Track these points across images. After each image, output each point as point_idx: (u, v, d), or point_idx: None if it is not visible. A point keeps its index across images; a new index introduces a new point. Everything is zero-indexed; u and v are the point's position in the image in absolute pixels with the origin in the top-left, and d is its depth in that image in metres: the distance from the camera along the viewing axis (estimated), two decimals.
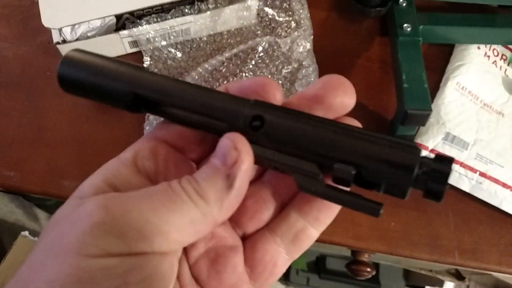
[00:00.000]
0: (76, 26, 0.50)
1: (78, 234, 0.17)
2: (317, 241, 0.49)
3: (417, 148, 0.20)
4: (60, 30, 0.49)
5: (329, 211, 0.22)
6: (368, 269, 0.59)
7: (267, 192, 0.23)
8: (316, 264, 1.15)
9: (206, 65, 0.53)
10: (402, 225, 0.51)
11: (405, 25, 0.52)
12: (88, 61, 0.22)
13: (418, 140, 0.52)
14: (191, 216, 0.18)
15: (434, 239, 0.51)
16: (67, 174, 0.50)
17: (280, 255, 0.22)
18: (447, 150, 0.51)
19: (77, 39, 0.50)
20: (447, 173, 0.19)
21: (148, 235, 0.17)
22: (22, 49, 0.57)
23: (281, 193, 0.23)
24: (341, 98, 0.20)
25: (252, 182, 0.23)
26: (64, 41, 0.50)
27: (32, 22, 0.58)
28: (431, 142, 0.52)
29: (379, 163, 0.20)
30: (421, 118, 0.47)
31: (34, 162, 0.51)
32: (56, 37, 0.50)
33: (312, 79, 0.51)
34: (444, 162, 0.20)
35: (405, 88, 0.47)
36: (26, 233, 0.93)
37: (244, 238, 0.23)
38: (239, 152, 0.19)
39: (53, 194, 0.49)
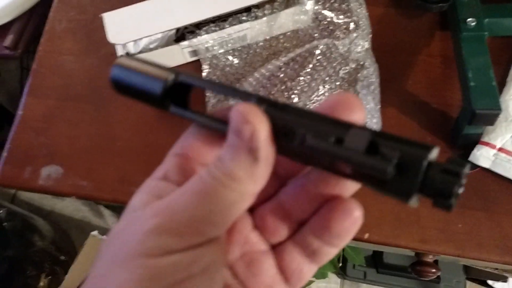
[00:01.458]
0: (138, 39, 0.52)
1: (139, 239, 0.19)
2: (382, 244, 0.50)
3: (429, 145, 0.19)
4: (124, 44, 0.51)
5: (340, 238, 0.22)
6: (433, 270, 0.57)
7: (284, 210, 0.24)
8: (373, 258, 1.14)
9: (263, 70, 0.54)
10: (470, 227, 0.50)
11: (469, 19, 0.50)
12: (133, 63, 0.24)
13: (486, 139, 0.50)
14: (229, 198, 0.19)
15: (504, 240, 0.49)
16: (136, 181, 0.52)
17: (305, 264, 0.23)
18: None
19: (140, 52, 0.52)
20: (458, 172, 0.18)
21: (198, 227, 0.19)
22: (87, 62, 0.60)
23: (297, 211, 0.23)
24: (348, 116, 0.20)
25: (269, 200, 0.24)
26: (128, 54, 0.52)
27: (95, 35, 0.61)
28: (499, 140, 0.50)
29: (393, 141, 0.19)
30: (490, 118, 0.45)
31: (104, 171, 0.53)
32: (120, 51, 0.53)
33: (373, 80, 0.50)
34: (457, 163, 0.18)
35: (472, 86, 0.46)
36: (96, 232, 0.98)
37: (272, 247, 0.24)
38: (252, 123, 0.19)
39: (124, 201, 0.52)
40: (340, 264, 1.12)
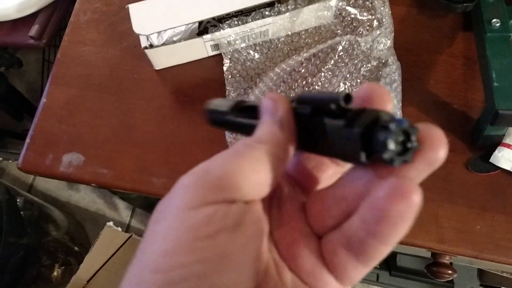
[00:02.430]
0: (162, 31, 0.52)
1: (180, 194, 0.21)
2: (399, 243, 0.49)
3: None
4: (148, 36, 0.52)
5: (390, 226, 0.19)
6: (449, 271, 0.57)
7: (336, 196, 0.23)
8: (386, 260, 1.13)
9: (284, 66, 0.54)
10: (488, 229, 0.49)
11: (494, 20, 0.50)
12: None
13: (507, 141, 0.49)
14: (256, 156, 0.22)
15: None
16: (155, 171, 0.53)
17: (349, 260, 0.21)
18: None
19: (163, 44, 0.53)
20: (387, 126, 0.18)
21: (231, 182, 0.21)
22: (110, 53, 0.60)
23: (348, 197, 0.22)
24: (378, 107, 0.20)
25: (326, 189, 0.24)
26: (151, 46, 0.53)
27: (118, 27, 0.62)
28: None
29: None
30: None
31: (125, 160, 0.54)
32: (144, 42, 0.53)
33: (396, 77, 0.50)
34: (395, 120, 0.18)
35: (495, 87, 0.45)
36: (111, 223, 0.99)
37: (317, 236, 0.24)
38: (274, 101, 0.23)
39: (143, 190, 0.53)
40: None
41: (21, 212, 1.17)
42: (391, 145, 0.18)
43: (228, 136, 0.51)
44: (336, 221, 0.22)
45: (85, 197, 1.39)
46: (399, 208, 0.18)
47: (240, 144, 0.22)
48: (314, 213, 0.23)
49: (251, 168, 0.21)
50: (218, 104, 0.28)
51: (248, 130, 0.26)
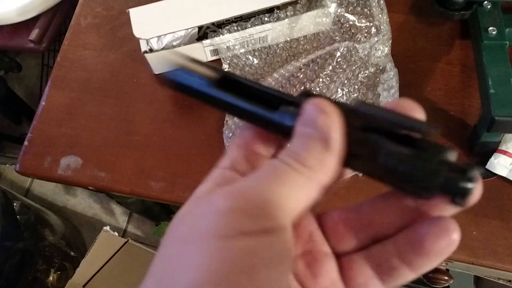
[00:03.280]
0: (162, 36, 0.53)
1: (213, 220, 0.19)
2: None
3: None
4: (147, 40, 0.53)
5: (427, 259, 0.21)
6: (446, 277, 0.57)
7: (360, 221, 0.23)
8: None
9: (283, 71, 0.54)
10: (484, 235, 0.49)
11: (490, 28, 0.50)
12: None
13: (503, 147, 0.50)
14: (299, 184, 0.20)
15: None
16: (153, 175, 0.53)
17: (373, 281, 0.22)
18: None
19: (163, 48, 0.53)
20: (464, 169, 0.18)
21: (271, 211, 0.19)
22: (110, 57, 0.61)
23: (378, 224, 0.22)
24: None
25: (346, 211, 0.23)
26: (151, 50, 0.53)
27: (119, 31, 0.62)
28: None
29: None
30: (509, 125, 0.45)
31: (123, 164, 0.54)
32: (143, 47, 0.54)
33: (394, 84, 0.51)
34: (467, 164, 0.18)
35: (492, 93, 0.46)
36: (107, 228, 0.99)
37: (337, 256, 0.23)
38: (328, 114, 0.20)
39: (141, 194, 0.53)
40: None
41: (18, 217, 1.16)
42: (471, 193, 0.18)
43: (226, 140, 0.52)
44: (362, 244, 0.22)
45: (81, 202, 1.39)
46: (441, 246, 0.19)
47: (281, 164, 0.20)
48: (336, 234, 0.23)
49: (295, 198, 0.20)
50: (192, 67, 0.24)
51: (238, 113, 0.23)
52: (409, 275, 0.21)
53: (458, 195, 0.18)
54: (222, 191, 0.20)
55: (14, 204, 1.18)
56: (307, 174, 0.20)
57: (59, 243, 1.24)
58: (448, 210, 0.20)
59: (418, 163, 0.18)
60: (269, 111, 0.22)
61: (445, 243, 0.19)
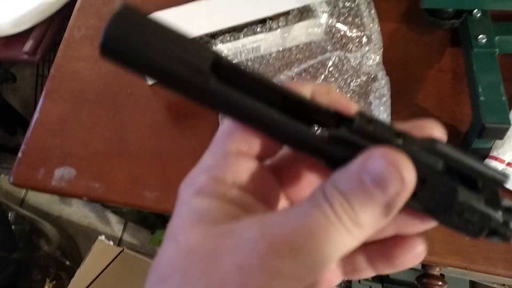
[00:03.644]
0: None
1: (240, 277, 0.17)
2: None
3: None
4: None
5: (393, 268, 0.22)
6: (440, 283, 0.57)
7: None
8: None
9: (275, 80, 0.55)
10: (477, 240, 0.50)
11: (480, 36, 0.51)
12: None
13: (494, 153, 0.50)
14: (345, 242, 0.18)
15: (511, 254, 0.49)
16: (148, 185, 0.53)
17: (337, 273, 0.24)
18: None
19: None
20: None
21: (313, 268, 0.18)
22: (104, 68, 0.61)
23: None
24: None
25: None
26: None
27: None
28: (508, 155, 0.50)
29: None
30: (499, 132, 0.46)
31: (117, 174, 0.54)
32: None
33: (385, 92, 0.51)
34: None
35: (482, 101, 0.46)
36: (103, 237, 0.99)
37: None
38: (404, 182, 0.17)
39: (135, 204, 0.53)
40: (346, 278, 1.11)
41: (13, 227, 1.16)
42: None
43: None
44: None
45: (77, 212, 1.39)
46: (408, 259, 0.22)
47: (332, 218, 0.18)
48: None
49: (335, 254, 0.18)
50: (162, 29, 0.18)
51: (236, 114, 0.19)
52: (371, 274, 0.23)
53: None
54: (258, 230, 0.18)
55: (9, 214, 1.18)
56: (357, 235, 0.18)
57: (55, 253, 1.23)
58: (421, 228, 0.21)
59: (487, 215, 0.19)
60: (306, 127, 0.19)
61: (412, 256, 0.22)
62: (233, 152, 0.21)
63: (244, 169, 0.21)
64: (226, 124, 0.21)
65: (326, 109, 0.19)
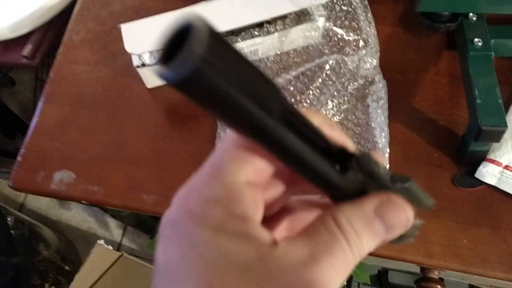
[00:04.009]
0: (154, 51, 0.53)
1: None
2: (388, 257, 0.50)
3: None
4: (139, 55, 0.53)
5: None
6: (439, 286, 0.57)
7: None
8: (378, 278, 1.13)
9: None
10: (475, 243, 0.50)
11: (476, 39, 0.51)
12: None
13: (492, 156, 0.51)
14: (348, 270, 0.20)
15: (509, 257, 0.49)
16: (146, 188, 0.53)
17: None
18: None
19: (155, 63, 0.54)
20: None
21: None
22: (103, 72, 0.61)
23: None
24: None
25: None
26: (143, 65, 0.54)
27: (111, 46, 0.63)
28: (505, 158, 0.50)
29: None
30: (496, 134, 0.46)
31: (116, 178, 0.54)
32: (136, 61, 0.54)
33: (382, 95, 0.52)
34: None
35: (478, 103, 0.47)
36: (102, 241, 0.99)
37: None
38: (408, 226, 0.22)
39: (134, 207, 0.53)
40: (345, 283, 1.11)
41: (12, 231, 1.16)
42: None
43: None
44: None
45: (76, 216, 1.39)
46: None
47: (349, 253, 0.20)
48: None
49: (338, 282, 0.20)
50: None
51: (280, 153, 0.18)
52: None
53: None
54: (300, 277, 0.19)
55: (8, 219, 1.17)
56: (360, 258, 0.21)
57: (54, 257, 1.23)
58: None
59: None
60: (333, 166, 0.20)
61: None
62: (243, 183, 0.20)
63: (258, 201, 0.20)
64: (230, 146, 0.21)
65: (334, 146, 0.21)
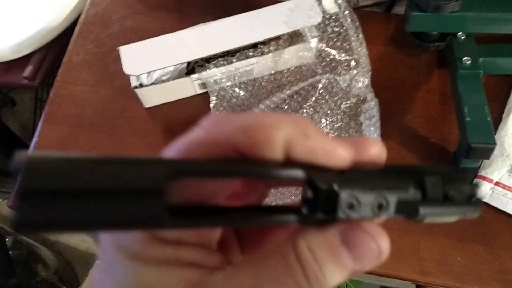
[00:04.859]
0: (152, 72, 0.55)
1: None
2: (383, 275, 0.50)
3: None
4: (138, 76, 0.54)
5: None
6: None
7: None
8: None
9: (268, 102, 0.56)
10: (468, 260, 0.50)
11: (465, 58, 0.53)
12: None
13: (483, 173, 0.51)
14: None
15: (503, 274, 0.50)
16: None
17: None
18: None
19: (152, 83, 0.55)
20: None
21: None
22: (102, 92, 0.63)
23: None
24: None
25: None
26: (141, 85, 0.55)
27: (110, 67, 0.64)
28: (496, 174, 0.51)
29: None
30: (485, 152, 0.47)
31: None
32: (134, 82, 0.56)
33: (374, 113, 0.53)
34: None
35: (468, 121, 0.48)
36: None
37: None
38: (381, 258, 0.18)
39: None
40: None
41: (10, 252, 1.16)
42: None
43: None
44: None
45: (74, 236, 1.38)
46: None
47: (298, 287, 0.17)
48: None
49: None
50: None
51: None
52: None
53: None
54: None
55: (7, 239, 1.17)
56: None
57: (52, 278, 1.22)
58: None
59: None
60: (291, 216, 0.18)
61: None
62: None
63: None
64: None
65: (305, 180, 0.18)
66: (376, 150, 0.19)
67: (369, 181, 0.18)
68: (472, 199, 0.20)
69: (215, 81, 0.57)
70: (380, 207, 0.18)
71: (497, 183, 0.51)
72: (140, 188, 0.14)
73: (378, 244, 0.17)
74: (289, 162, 0.18)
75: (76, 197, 0.14)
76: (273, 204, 0.49)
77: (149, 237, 0.17)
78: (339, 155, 0.18)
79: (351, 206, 0.17)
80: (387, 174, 0.19)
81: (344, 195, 0.17)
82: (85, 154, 0.15)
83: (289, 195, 0.50)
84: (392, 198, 0.18)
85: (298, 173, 0.17)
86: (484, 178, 0.51)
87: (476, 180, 0.52)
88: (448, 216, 0.20)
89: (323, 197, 0.17)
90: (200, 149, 0.18)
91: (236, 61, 0.55)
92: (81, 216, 0.14)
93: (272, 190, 0.21)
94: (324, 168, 0.18)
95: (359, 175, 0.18)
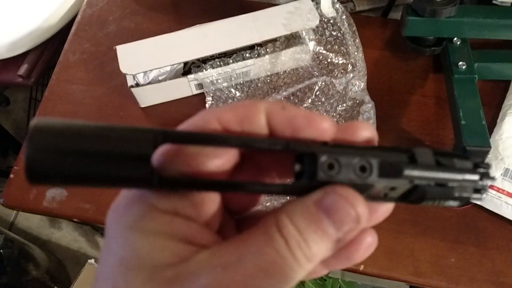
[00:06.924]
0: (148, 71, 0.55)
1: None
2: (377, 276, 0.50)
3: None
4: (134, 75, 0.54)
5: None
6: None
7: None
8: None
9: None
10: (462, 261, 0.51)
11: (460, 63, 0.53)
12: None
13: None
14: (296, 276, 0.18)
15: (496, 276, 0.50)
16: None
17: None
18: (507, 186, 0.51)
19: (149, 83, 0.55)
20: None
21: None
22: (98, 91, 0.62)
23: None
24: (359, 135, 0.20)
25: None
26: (137, 85, 0.55)
27: (106, 67, 0.64)
28: None
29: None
30: (480, 155, 0.47)
31: (108, 196, 0.55)
32: (130, 81, 0.55)
33: (371, 115, 0.53)
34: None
35: (463, 125, 0.48)
36: (92, 261, 0.98)
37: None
38: (359, 222, 0.18)
39: None
40: None
41: (1, 251, 1.15)
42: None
43: None
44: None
45: (66, 235, 1.38)
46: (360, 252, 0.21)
47: (288, 257, 0.17)
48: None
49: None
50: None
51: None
52: (324, 273, 0.22)
53: None
54: (210, 278, 0.17)
55: None
56: (307, 267, 0.18)
57: (43, 277, 1.21)
58: (375, 222, 0.21)
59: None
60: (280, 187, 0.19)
61: (364, 249, 0.21)
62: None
63: (203, 199, 0.19)
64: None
65: (283, 146, 0.18)
66: (366, 134, 0.19)
67: (352, 148, 0.18)
68: (477, 169, 0.19)
69: (212, 81, 0.57)
70: (363, 169, 0.18)
71: (491, 186, 0.51)
72: (133, 150, 0.17)
73: (354, 207, 0.18)
74: (274, 137, 0.19)
75: (81, 155, 0.16)
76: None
77: (147, 208, 0.18)
78: (319, 124, 0.19)
79: (331, 166, 0.18)
80: (374, 148, 0.19)
81: (324, 157, 0.18)
82: (88, 122, 0.17)
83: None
84: (375, 161, 0.18)
85: (279, 142, 0.18)
86: None
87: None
88: (446, 191, 0.19)
89: (308, 165, 0.18)
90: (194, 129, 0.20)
91: (232, 62, 0.55)
92: (83, 171, 0.16)
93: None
94: (308, 140, 0.19)
95: (343, 146, 0.19)
